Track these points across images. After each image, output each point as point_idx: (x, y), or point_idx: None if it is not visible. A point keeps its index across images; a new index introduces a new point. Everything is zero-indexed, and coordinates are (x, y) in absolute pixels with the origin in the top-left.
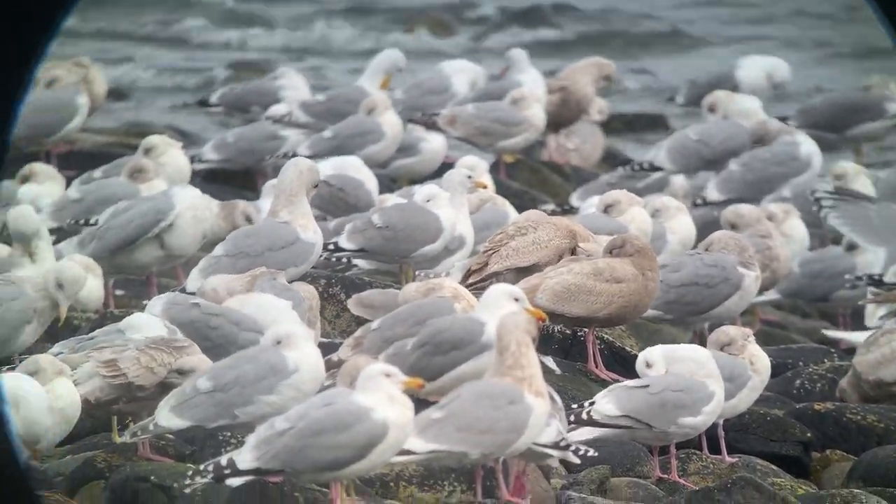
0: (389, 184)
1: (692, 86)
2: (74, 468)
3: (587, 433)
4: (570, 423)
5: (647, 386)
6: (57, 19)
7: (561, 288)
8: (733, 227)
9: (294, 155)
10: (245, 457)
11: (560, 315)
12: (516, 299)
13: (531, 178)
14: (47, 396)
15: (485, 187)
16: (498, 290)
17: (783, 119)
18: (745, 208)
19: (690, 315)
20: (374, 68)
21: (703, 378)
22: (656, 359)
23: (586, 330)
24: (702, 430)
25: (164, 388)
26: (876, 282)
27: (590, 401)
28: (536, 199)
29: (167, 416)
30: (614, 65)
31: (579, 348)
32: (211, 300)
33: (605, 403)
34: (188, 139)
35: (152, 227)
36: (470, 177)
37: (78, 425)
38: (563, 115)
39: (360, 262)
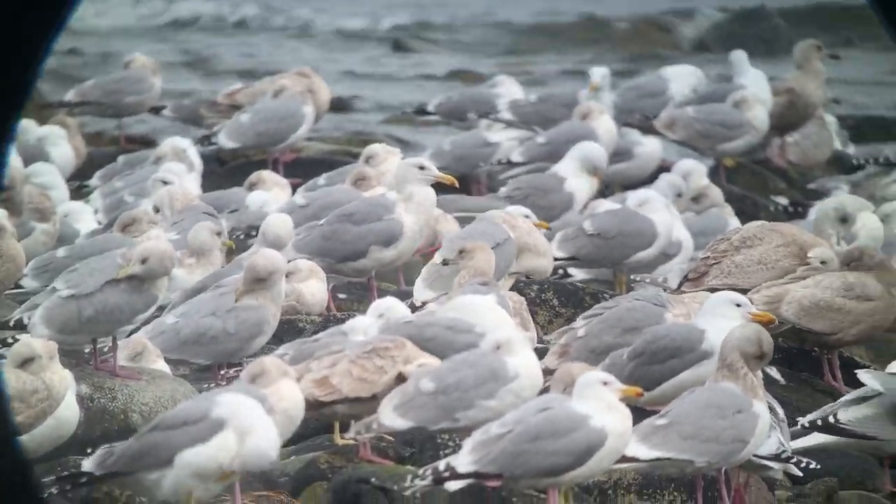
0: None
1: None
2: (298, 468)
3: (812, 440)
4: (807, 427)
5: None
6: (60, 18)
7: (809, 303)
8: None
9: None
10: (463, 460)
11: (804, 330)
12: (738, 305)
13: (753, 182)
14: (269, 421)
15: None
16: (720, 297)
17: None
18: None
19: None
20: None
21: None
22: None
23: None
24: None
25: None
26: None
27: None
28: (758, 203)
29: (390, 416)
30: (823, 49)
31: (804, 358)
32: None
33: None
34: (407, 147)
35: (383, 248)
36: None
37: (302, 425)
38: (788, 119)
39: (574, 270)
